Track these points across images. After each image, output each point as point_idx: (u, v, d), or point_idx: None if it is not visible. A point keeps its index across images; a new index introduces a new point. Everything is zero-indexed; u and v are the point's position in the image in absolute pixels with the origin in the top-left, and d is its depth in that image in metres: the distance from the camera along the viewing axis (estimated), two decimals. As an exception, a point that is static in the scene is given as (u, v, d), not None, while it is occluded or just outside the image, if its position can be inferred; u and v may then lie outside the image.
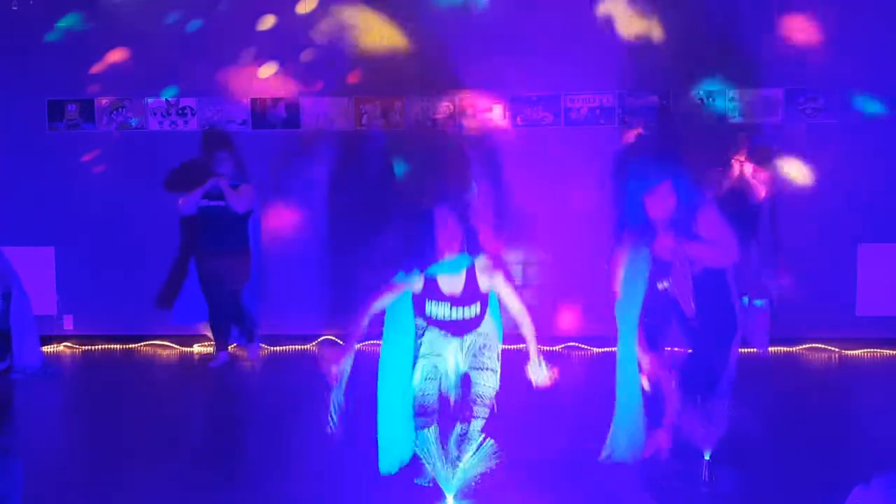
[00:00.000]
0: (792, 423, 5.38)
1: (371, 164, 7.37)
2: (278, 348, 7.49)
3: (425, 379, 4.36)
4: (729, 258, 4.63)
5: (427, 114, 7.39)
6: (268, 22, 7.44)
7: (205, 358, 7.24)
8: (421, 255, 4.31)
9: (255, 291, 7.13)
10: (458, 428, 4.35)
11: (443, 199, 4.79)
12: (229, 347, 7.09)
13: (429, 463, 3.90)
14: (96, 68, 7.52)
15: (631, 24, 7.22)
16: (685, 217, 4.62)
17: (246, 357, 7.17)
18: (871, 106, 7.09)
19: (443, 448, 3.98)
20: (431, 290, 4.31)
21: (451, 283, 4.29)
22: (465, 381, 4.48)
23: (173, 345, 7.62)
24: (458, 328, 4.38)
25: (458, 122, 7.29)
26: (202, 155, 7.16)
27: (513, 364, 6.69)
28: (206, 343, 7.43)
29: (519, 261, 7.23)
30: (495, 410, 4.43)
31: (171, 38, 7.43)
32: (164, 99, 7.55)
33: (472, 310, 4.34)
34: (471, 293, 4.31)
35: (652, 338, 4.71)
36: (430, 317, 4.36)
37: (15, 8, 7.34)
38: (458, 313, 4.33)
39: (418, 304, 4.43)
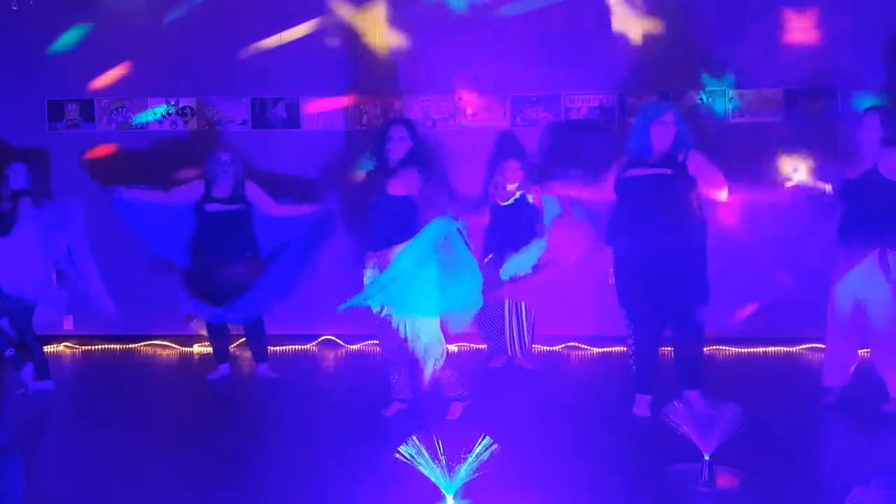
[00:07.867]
0: (792, 423, 5.38)
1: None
2: (278, 348, 7.49)
3: None
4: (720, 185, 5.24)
5: (427, 114, 7.38)
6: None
7: (204, 358, 7.25)
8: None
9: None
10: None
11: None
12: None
13: (422, 466, 3.87)
14: (96, 69, 7.53)
15: (631, 24, 7.23)
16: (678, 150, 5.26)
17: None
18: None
19: (434, 451, 3.96)
20: None
21: None
22: None
23: (173, 345, 7.63)
24: None
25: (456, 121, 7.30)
26: None
27: (511, 364, 6.72)
28: (205, 343, 7.42)
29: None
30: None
31: (171, 39, 7.44)
32: (163, 99, 7.54)
33: None
34: None
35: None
36: None
37: (15, 8, 7.33)
38: None
39: None
